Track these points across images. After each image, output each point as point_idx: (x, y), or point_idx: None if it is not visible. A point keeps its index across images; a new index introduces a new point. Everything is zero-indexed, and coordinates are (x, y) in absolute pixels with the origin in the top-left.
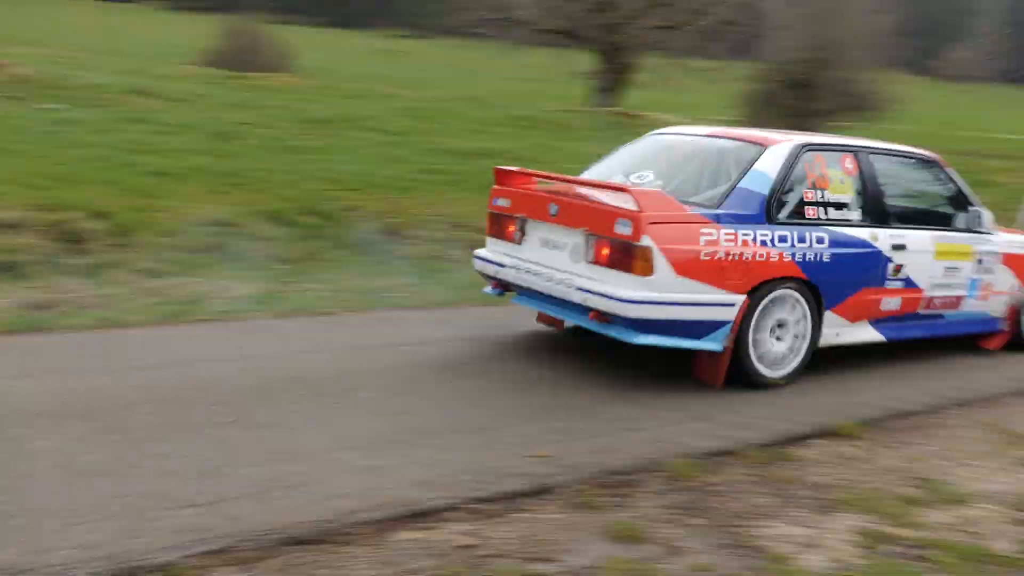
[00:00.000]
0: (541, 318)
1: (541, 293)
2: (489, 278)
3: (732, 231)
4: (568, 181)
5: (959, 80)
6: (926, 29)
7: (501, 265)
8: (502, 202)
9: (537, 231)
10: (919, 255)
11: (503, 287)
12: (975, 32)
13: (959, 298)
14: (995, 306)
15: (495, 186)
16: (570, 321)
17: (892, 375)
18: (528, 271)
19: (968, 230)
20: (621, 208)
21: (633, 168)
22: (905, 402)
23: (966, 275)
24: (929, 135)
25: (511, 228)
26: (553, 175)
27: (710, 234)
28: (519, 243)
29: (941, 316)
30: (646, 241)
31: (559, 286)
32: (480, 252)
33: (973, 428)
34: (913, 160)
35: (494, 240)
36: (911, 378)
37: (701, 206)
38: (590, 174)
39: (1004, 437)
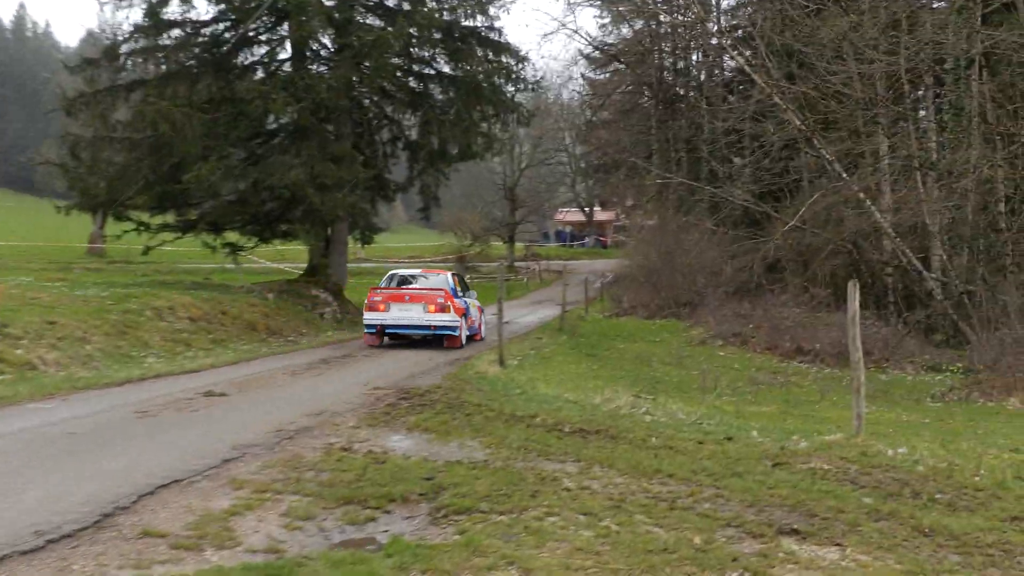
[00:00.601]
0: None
1: (408, 325)
2: (374, 326)
3: (456, 300)
4: (402, 289)
5: None
6: None
7: (384, 320)
8: (376, 297)
9: (396, 306)
10: (471, 304)
11: (382, 328)
12: None
13: (474, 321)
14: (477, 324)
15: (371, 291)
16: (420, 334)
17: None
18: (399, 320)
19: (470, 296)
20: (438, 294)
21: (405, 283)
22: None
23: (475, 312)
24: None
25: (381, 307)
26: (394, 287)
27: (456, 300)
28: (387, 312)
29: (472, 327)
30: (448, 304)
31: (417, 322)
32: (366, 316)
33: None
34: (460, 276)
35: (371, 312)
36: None
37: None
38: (390, 285)
39: None
